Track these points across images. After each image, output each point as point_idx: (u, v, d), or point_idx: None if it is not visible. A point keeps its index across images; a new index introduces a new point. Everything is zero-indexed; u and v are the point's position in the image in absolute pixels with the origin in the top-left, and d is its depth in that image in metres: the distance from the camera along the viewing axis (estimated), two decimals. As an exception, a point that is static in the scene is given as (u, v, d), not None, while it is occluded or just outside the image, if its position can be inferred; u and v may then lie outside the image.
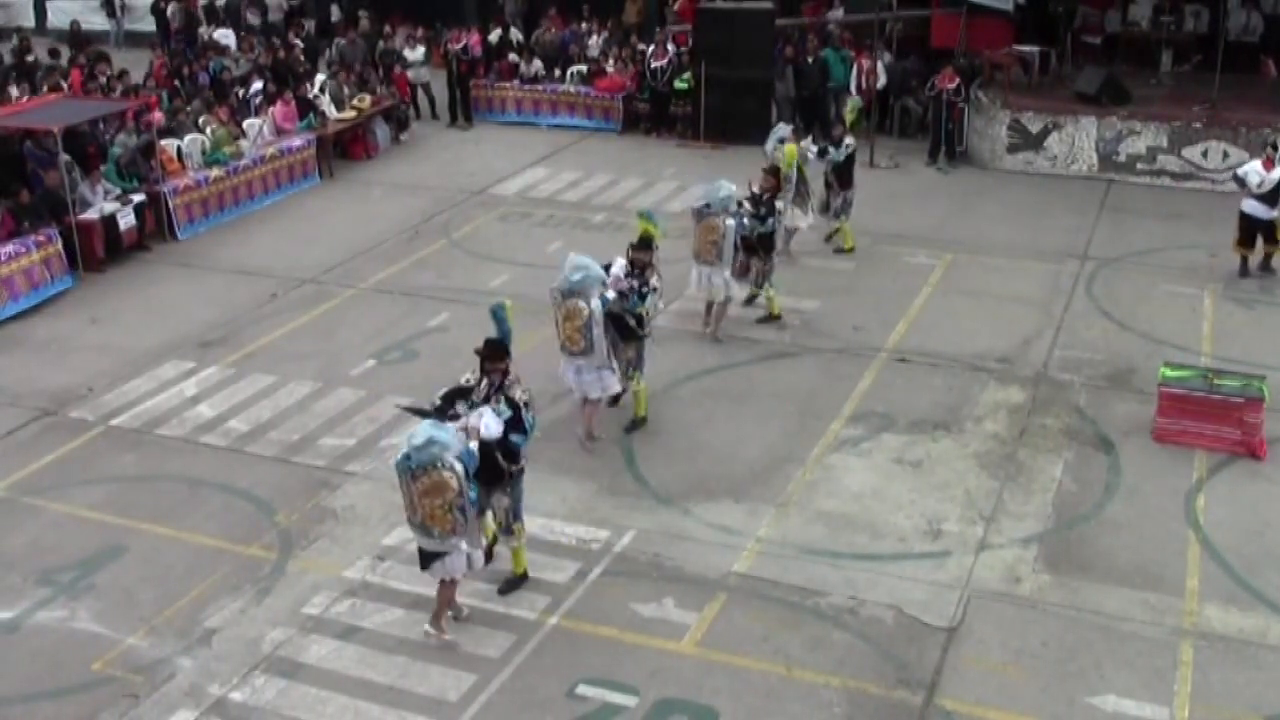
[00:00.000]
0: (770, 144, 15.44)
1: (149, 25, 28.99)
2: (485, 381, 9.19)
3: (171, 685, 8.61)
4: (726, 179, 13.60)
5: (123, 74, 20.65)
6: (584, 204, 18.68)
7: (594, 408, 11.52)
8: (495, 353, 9.22)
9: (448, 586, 8.89)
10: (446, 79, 23.23)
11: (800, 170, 15.09)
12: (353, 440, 11.75)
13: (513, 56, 23.75)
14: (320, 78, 21.89)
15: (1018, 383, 12.65)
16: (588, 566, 9.80)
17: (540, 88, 23.05)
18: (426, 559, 8.77)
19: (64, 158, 16.20)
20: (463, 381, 9.25)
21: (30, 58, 23.06)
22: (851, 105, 16.00)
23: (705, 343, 13.56)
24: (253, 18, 27.47)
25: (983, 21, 21.44)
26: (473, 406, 9.05)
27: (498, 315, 9.43)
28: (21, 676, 8.75)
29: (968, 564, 9.75)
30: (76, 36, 26.20)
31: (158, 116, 18.64)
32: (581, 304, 10.91)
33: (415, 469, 8.37)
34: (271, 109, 20.08)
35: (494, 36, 24.22)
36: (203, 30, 26.34)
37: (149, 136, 17.60)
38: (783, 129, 15.79)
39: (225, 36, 25.67)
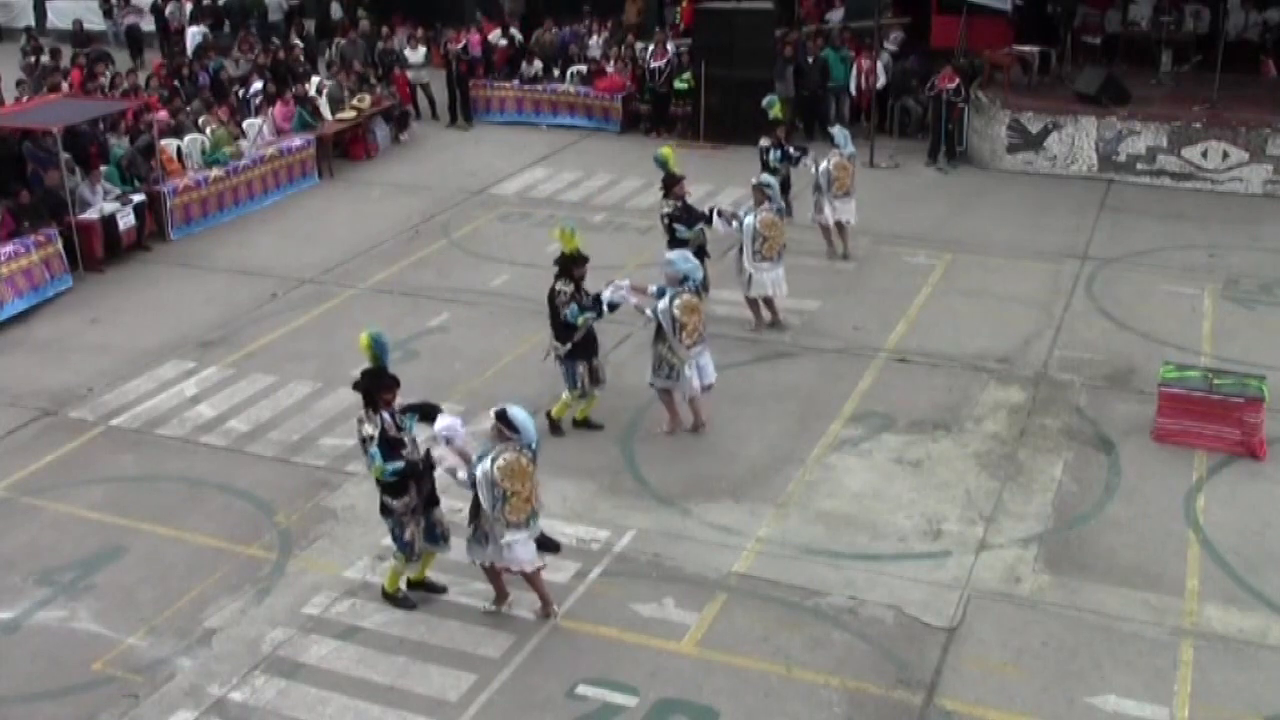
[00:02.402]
0: (849, 147, 15.64)
1: (148, 24, 28.99)
2: (385, 416, 8.95)
3: (171, 685, 8.61)
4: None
5: (131, 73, 20.64)
6: (584, 204, 18.68)
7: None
8: (388, 384, 9.03)
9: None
10: (446, 79, 23.24)
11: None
12: (353, 440, 11.63)
13: (496, 36, 23.82)
14: (316, 79, 21.93)
15: (1018, 383, 12.65)
16: (587, 566, 9.80)
17: (540, 88, 23.05)
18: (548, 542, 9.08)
19: (64, 157, 16.21)
20: (365, 434, 8.91)
21: (32, 59, 23.09)
22: (770, 103, 15.90)
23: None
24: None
25: (983, 21, 21.43)
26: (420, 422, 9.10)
27: (380, 344, 9.15)
28: (21, 676, 8.75)
29: (968, 564, 9.75)
30: (78, 36, 26.20)
31: (164, 115, 18.66)
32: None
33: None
34: (271, 109, 20.09)
35: (494, 36, 24.23)
36: (194, 31, 26.32)
37: (149, 137, 17.60)
38: (841, 129, 15.93)
39: (196, 35, 25.64)
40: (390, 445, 8.92)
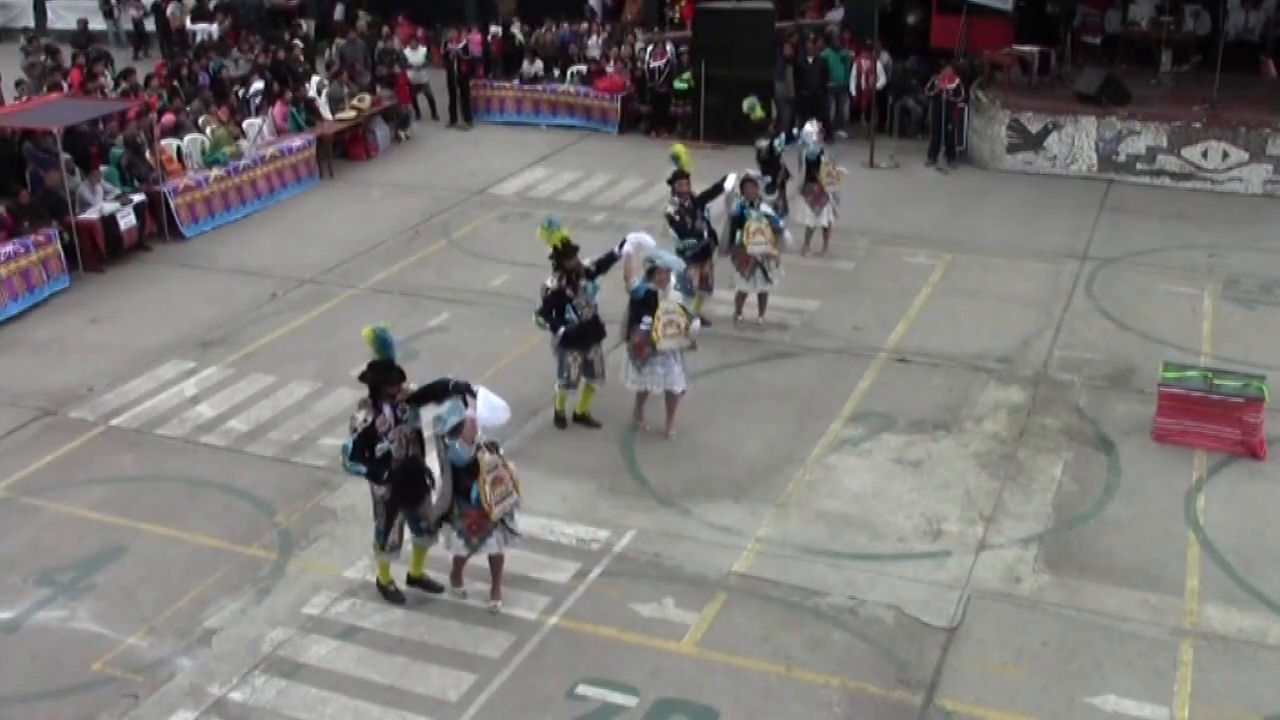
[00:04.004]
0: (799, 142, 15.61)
1: (148, 24, 28.99)
2: (386, 410, 8.94)
3: (171, 685, 8.61)
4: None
5: (128, 73, 20.65)
6: (584, 204, 18.69)
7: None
8: (394, 376, 9.02)
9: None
10: (446, 79, 23.24)
11: (810, 166, 15.44)
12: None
13: (495, 29, 23.86)
14: (316, 79, 21.94)
15: (1018, 383, 12.65)
16: (588, 566, 9.79)
17: (540, 88, 23.06)
18: None
19: (65, 157, 16.21)
20: (360, 421, 8.87)
21: (34, 59, 23.10)
22: (751, 106, 15.90)
23: (703, 344, 13.39)
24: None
25: (983, 21, 21.44)
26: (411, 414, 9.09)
27: (385, 338, 9.11)
28: (21, 676, 8.75)
29: (968, 564, 9.75)
30: (79, 36, 26.19)
31: (169, 119, 18.68)
32: None
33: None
34: (271, 109, 20.09)
35: (493, 35, 24.26)
36: (196, 29, 26.33)
37: (133, 128, 17.60)
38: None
39: (204, 31, 25.69)
40: (369, 442, 8.90)
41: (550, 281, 11.44)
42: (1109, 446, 11.42)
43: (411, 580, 9.50)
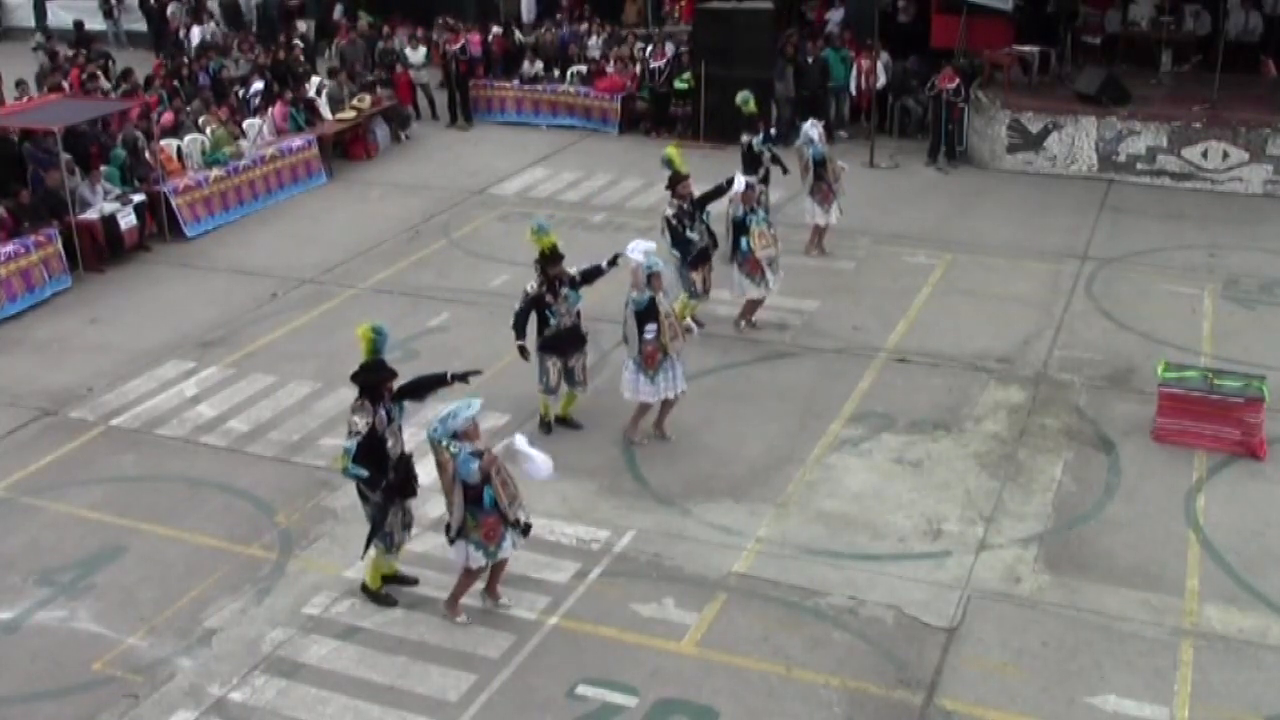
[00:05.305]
0: (800, 141, 15.51)
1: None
2: (381, 411, 8.96)
3: (171, 685, 8.61)
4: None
5: (128, 73, 20.66)
6: (584, 204, 18.69)
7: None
8: (388, 375, 9.06)
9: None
10: (445, 79, 23.24)
11: (818, 165, 15.36)
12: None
13: (496, 30, 23.90)
14: (317, 79, 21.96)
15: (1018, 383, 12.65)
16: (588, 566, 9.80)
17: (540, 88, 23.06)
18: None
19: (65, 157, 16.21)
20: (361, 425, 8.85)
21: (46, 57, 23.13)
22: (745, 99, 15.85)
23: (702, 344, 13.45)
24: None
25: (983, 21, 21.42)
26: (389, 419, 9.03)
27: (381, 335, 9.18)
28: (21, 676, 8.76)
29: (968, 564, 9.75)
30: (79, 36, 26.20)
31: (169, 119, 18.68)
32: None
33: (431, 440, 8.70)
34: (271, 109, 20.09)
35: (492, 35, 24.27)
36: (196, 30, 26.38)
37: (133, 129, 17.58)
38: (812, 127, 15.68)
39: (201, 33, 25.76)
40: (371, 446, 8.90)
41: (531, 286, 11.36)
42: (1109, 446, 11.42)
43: (385, 578, 9.52)
